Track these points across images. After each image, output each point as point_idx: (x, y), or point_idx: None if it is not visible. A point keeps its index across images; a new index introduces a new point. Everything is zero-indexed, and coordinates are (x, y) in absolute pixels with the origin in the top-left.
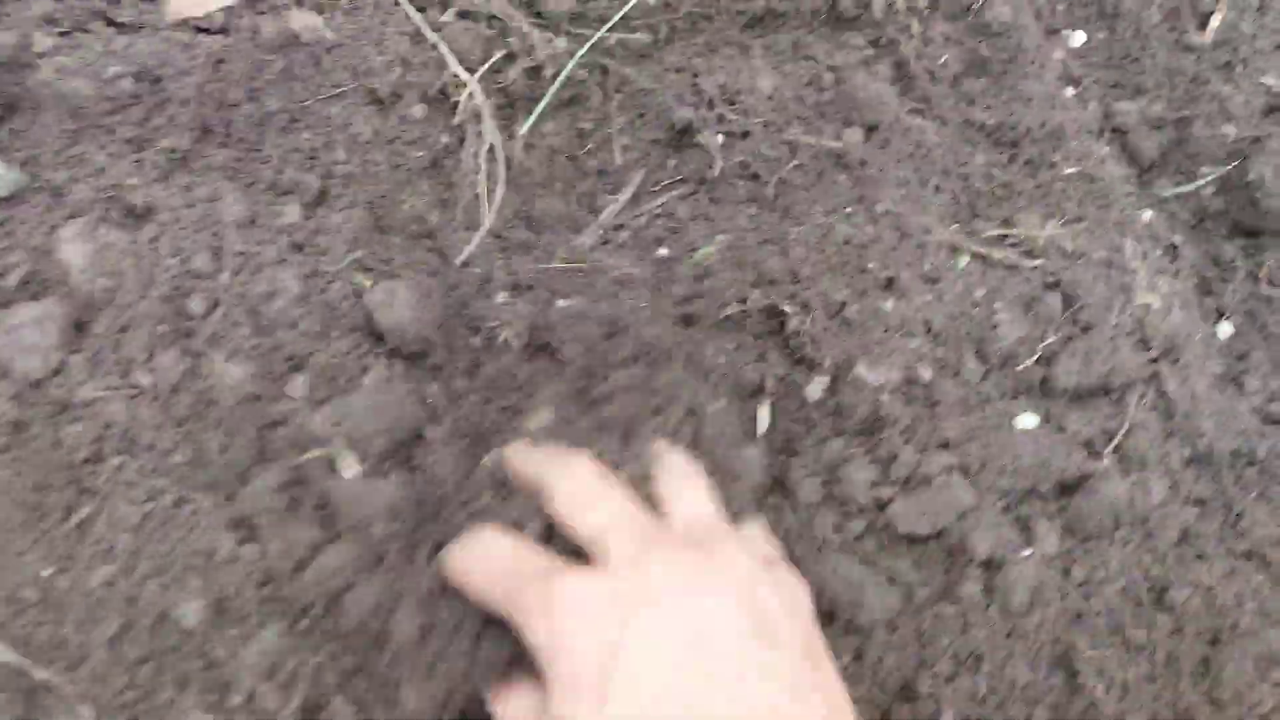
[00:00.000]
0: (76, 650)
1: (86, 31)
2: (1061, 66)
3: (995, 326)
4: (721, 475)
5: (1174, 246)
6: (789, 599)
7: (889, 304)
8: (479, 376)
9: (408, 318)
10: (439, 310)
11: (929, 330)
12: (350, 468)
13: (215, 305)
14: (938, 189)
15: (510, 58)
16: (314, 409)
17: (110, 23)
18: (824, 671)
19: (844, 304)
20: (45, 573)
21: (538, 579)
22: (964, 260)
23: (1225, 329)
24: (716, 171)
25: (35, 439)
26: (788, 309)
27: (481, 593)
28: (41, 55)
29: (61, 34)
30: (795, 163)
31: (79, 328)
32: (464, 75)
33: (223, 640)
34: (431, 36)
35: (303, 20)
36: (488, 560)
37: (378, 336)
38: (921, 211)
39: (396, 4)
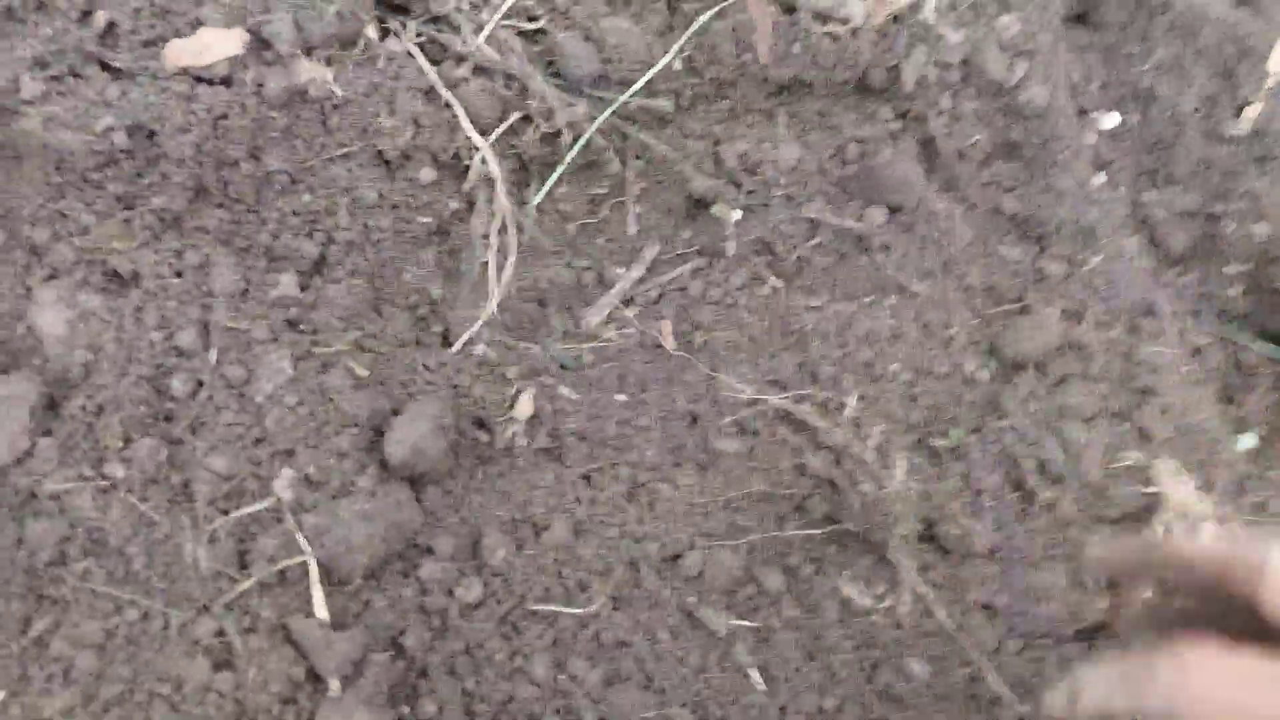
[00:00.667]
0: None
1: (79, 76)
2: (1093, 151)
3: None
4: None
5: (1198, 350)
6: None
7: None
8: (484, 480)
9: (418, 455)
10: (448, 440)
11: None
12: (321, 608)
13: (199, 387)
14: (962, 280)
15: (527, 120)
16: (299, 512)
17: (105, 67)
18: None
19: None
20: None
21: None
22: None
23: (1247, 441)
24: (732, 247)
25: None
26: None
27: None
28: (28, 102)
29: (52, 78)
30: (815, 241)
31: (50, 406)
32: (478, 139)
33: None
34: (446, 95)
35: (311, 73)
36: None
37: (376, 432)
38: (945, 306)
39: (411, 57)
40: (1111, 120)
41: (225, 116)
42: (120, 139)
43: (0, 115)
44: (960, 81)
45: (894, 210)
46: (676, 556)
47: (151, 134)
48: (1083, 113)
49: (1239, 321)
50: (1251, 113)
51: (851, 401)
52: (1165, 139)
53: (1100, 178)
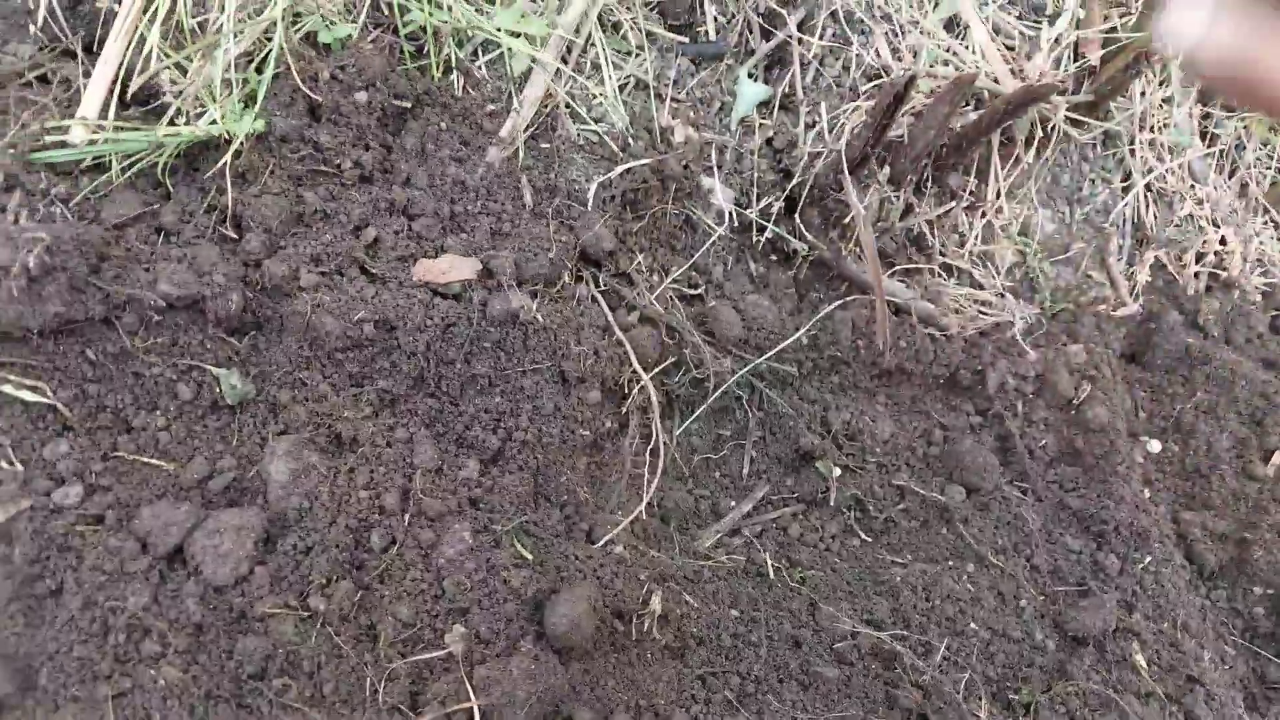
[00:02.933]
0: None
1: (342, 275)
2: (1141, 468)
3: None
4: None
5: (1225, 658)
6: None
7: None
8: (617, 665)
9: (574, 629)
10: (596, 621)
11: None
12: None
13: (393, 544)
14: (1030, 559)
15: (678, 365)
16: (469, 666)
17: (364, 271)
18: None
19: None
20: None
21: None
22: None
23: None
24: (831, 499)
25: (211, 645)
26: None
27: None
28: (302, 288)
29: (323, 273)
30: (902, 506)
31: (268, 540)
32: (641, 372)
33: None
34: (619, 335)
35: (520, 300)
36: None
37: (535, 605)
38: (1016, 579)
39: (595, 302)
40: (1154, 446)
41: (453, 325)
42: (368, 329)
43: (279, 297)
44: (1034, 393)
45: (971, 490)
46: None
47: (392, 328)
48: (1133, 435)
49: (1263, 640)
50: (1278, 459)
51: (940, 647)
52: (1201, 469)
53: (1146, 492)
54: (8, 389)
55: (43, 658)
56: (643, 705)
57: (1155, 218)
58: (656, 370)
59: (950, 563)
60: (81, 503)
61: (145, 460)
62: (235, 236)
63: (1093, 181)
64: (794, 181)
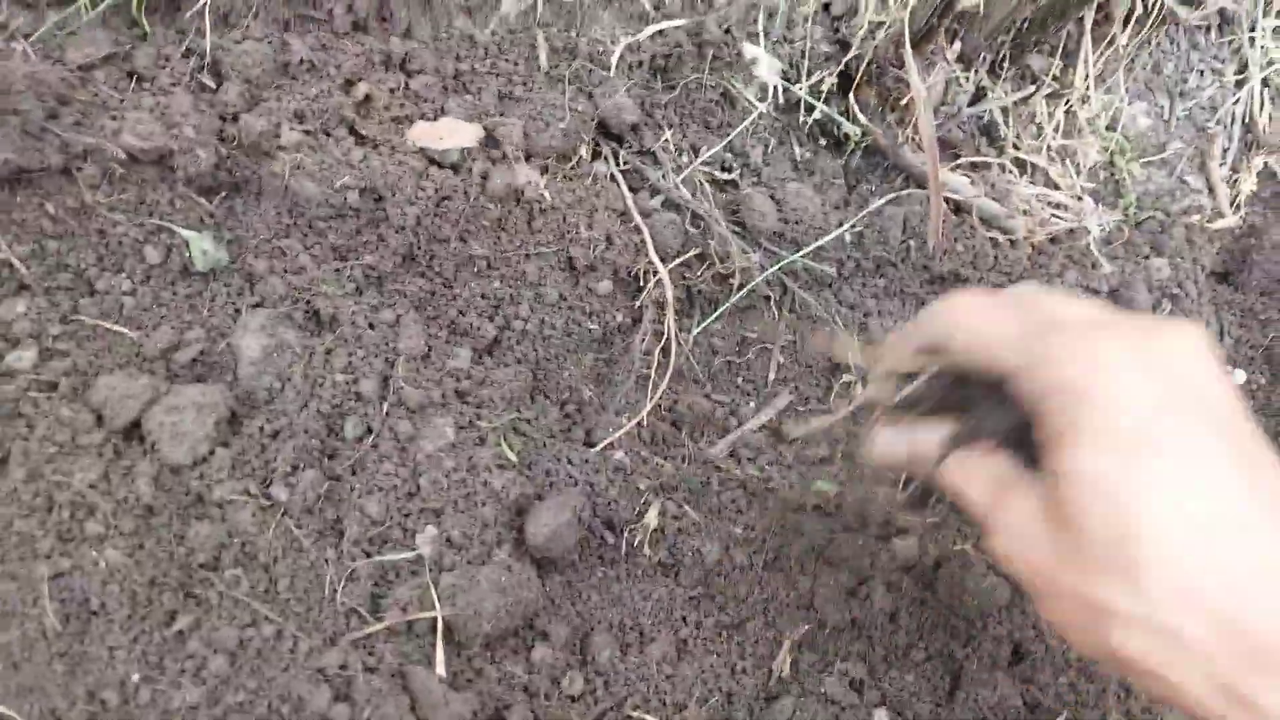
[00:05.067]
0: None
1: (328, 135)
2: None
3: None
4: None
5: None
6: None
7: None
8: (603, 579)
9: (555, 540)
10: (580, 532)
11: None
12: (441, 665)
13: (368, 433)
14: None
15: (702, 258)
16: (437, 570)
17: (353, 132)
18: None
19: None
20: (133, 677)
21: (1072, 329)
22: None
23: None
24: (858, 414)
25: (161, 530)
26: None
27: (987, 339)
28: (283, 147)
29: (306, 132)
30: None
31: (232, 420)
32: (658, 264)
33: None
34: (638, 220)
35: (527, 175)
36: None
37: (516, 511)
38: None
39: (614, 181)
40: (1240, 377)
41: (448, 198)
42: (353, 197)
43: (255, 155)
44: None
45: None
46: (771, 699)
47: (380, 199)
48: None
49: None
50: None
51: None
52: None
53: None
54: None
55: None
56: (627, 624)
57: (1270, 119)
58: (677, 262)
59: None
60: (35, 367)
61: (107, 326)
62: (214, 86)
63: (1200, 73)
64: (850, 54)
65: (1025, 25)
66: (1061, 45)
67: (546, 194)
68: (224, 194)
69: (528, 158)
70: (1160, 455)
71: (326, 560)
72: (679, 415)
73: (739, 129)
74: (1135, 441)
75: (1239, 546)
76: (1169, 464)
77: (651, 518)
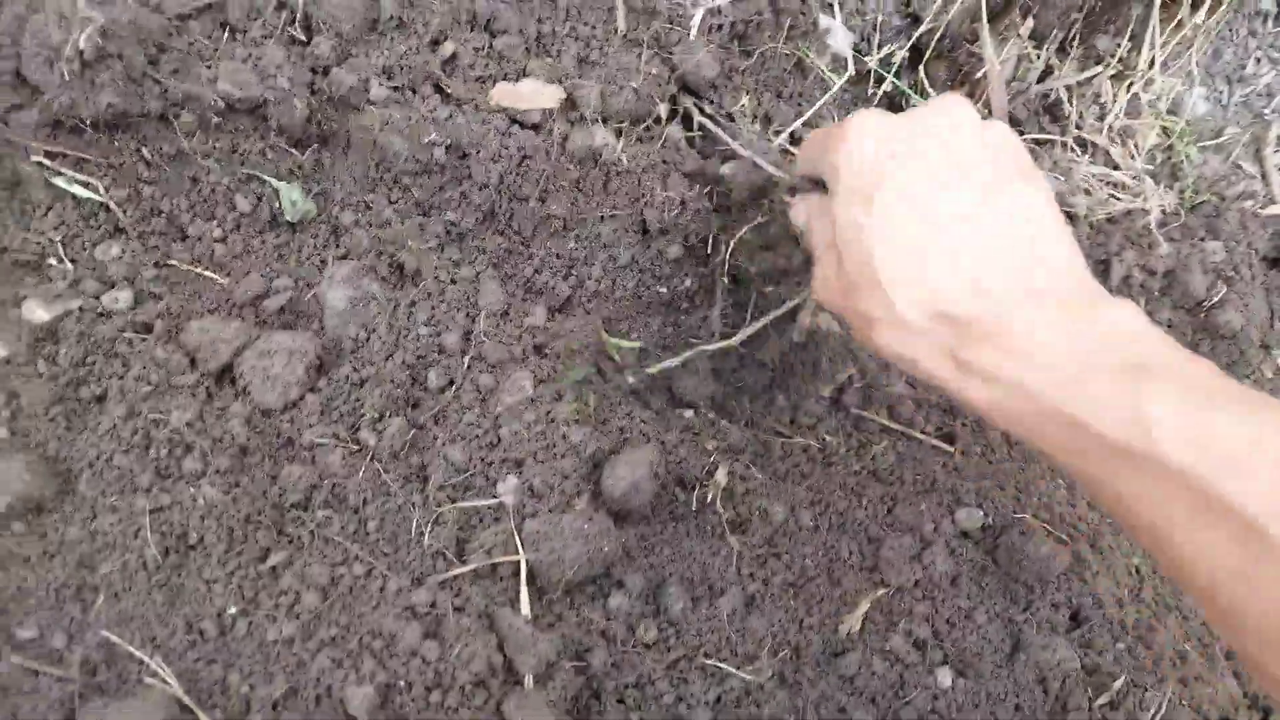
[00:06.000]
0: (239, 701)
1: (415, 92)
2: (1269, 384)
3: None
4: None
5: None
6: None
7: None
8: (675, 534)
9: (633, 492)
10: (657, 487)
11: None
12: (526, 607)
13: (450, 385)
14: None
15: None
16: (520, 517)
17: (439, 90)
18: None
19: None
20: (230, 610)
21: (842, 127)
22: None
23: None
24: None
25: (255, 469)
26: None
27: (804, 154)
28: (371, 102)
29: (394, 88)
30: None
31: (320, 368)
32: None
33: None
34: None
35: (604, 137)
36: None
37: (593, 464)
38: None
39: (690, 144)
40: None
41: (530, 158)
42: (439, 154)
43: (344, 109)
44: (1161, 291)
45: None
46: (837, 655)
47: (464, 155)
48: (1264, 347)
49: None
50: None
51: None
52: None
53: None
54: (60, 182)
55: (83, 464)
56: (697, 579)
57: None
58: (748, 228)
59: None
60: (131, 309)
61: (199, 271)
62: (305, 40)
63: (1257, 60)
64: (922, 28)
65: (1098, 4)
66: (1130, 26)
67: (623, 157)
68: (313, 146)
69: (604, 120)
70: (881, 190)
71: (413, 504)
72: (742, 380)
73: (820, 103)
74: (865, 187)
75: (942, 251)
76: (889, 197)
77: (720, 476)
